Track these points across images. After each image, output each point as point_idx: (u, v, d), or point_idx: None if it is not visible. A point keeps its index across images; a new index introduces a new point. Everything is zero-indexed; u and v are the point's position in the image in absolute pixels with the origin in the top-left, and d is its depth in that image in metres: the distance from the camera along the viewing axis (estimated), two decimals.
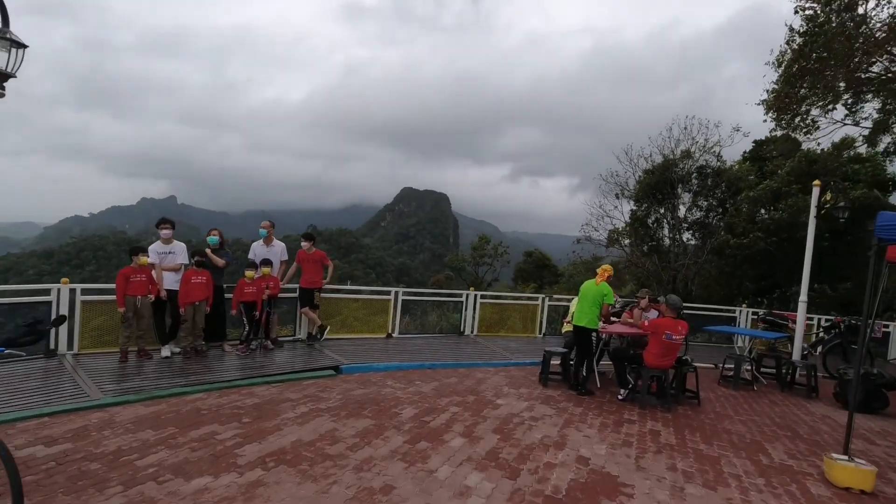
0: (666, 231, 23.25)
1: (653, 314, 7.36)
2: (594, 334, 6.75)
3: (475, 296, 10.32)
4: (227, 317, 7.34)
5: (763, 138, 25.57)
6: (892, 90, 12.70)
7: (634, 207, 23.33)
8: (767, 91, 14.29)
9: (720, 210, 22.31)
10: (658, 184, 21.91)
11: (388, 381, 6.48)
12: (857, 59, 11.81)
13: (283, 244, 7.95)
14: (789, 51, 13.03)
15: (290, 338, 8.32)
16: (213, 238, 7.26)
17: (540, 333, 10.86)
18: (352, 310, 9.16)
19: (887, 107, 14.01)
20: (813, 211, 8.20)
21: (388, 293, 9.47)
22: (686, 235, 22.94)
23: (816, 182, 8.32)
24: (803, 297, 8.24)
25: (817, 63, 12.21)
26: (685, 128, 20.93)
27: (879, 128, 15.07)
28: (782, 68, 13.46)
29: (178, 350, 6.80)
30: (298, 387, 5.88)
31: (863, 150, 19.32)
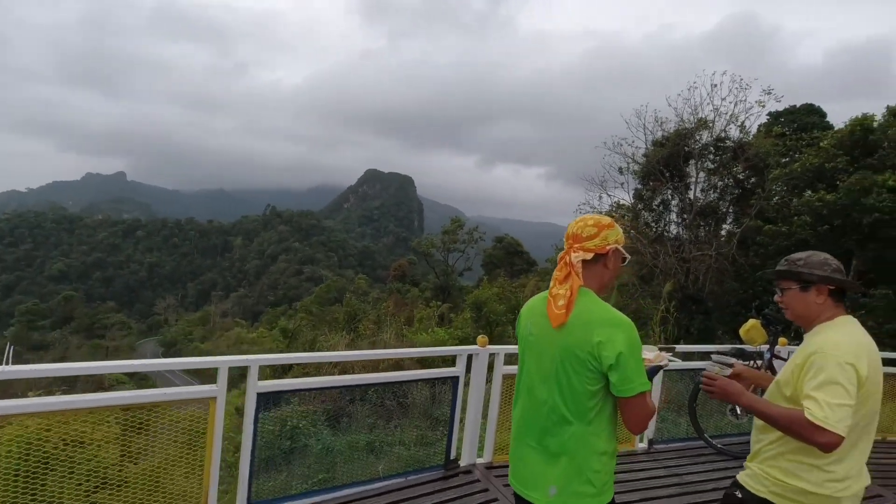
0: (674, 216, 18.72)
1: None
2: None
3: (490, 357, 3.52)
4: None
5: (782, 109, 20.84)
6: None
7: (640, 186, 18.63)
8: None
9: (737, 191, 17.82)
10: (670, 158, 17.18)
11: None
12: None
13: None
14: None
15: None
16: None
17: (643, 442, 4.31)
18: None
19: None
20: None
21: (213, 378, 2.47)
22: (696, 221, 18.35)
23: None
24: None
25: None
26: (714, 85, 15.55)
27: None
28: None
29: None
30: None
31: None
